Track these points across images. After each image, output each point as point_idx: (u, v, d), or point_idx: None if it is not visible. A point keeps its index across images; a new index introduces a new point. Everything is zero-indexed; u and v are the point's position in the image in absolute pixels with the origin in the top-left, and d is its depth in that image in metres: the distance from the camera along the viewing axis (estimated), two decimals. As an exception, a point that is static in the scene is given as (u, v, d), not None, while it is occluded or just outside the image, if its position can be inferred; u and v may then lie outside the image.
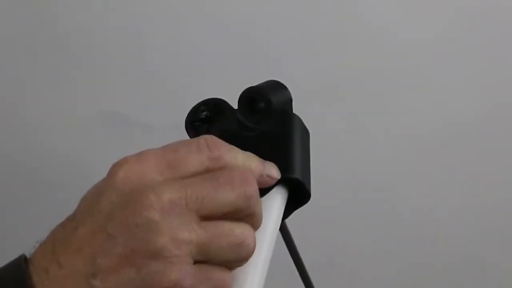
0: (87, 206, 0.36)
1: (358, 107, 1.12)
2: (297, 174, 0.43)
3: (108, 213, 0.34)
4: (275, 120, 0.46)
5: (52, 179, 1.19)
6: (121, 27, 1.08)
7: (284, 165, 0.43)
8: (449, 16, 1.06)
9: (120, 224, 0.33)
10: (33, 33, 1.09)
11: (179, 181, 0.35)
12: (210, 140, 0.38)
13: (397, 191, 1.19)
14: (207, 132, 0.47)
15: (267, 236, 0.41)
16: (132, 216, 0.33)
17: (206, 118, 0.48)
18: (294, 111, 0.48)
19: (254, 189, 0.37)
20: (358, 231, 1.23)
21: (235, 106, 0.47)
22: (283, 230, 0.53)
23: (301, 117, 0.48)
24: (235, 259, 0.36)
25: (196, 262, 0.34)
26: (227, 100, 0.48)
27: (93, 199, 0.36)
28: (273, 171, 0.41)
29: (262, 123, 0.46)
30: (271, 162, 0.42)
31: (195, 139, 0.38)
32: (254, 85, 0.47)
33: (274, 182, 0.41)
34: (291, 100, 0.49)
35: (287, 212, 0.45)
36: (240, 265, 0.37)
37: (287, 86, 0.49)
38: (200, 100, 0.48)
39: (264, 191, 0.43)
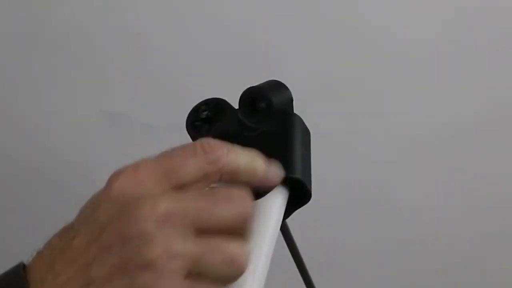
0: (85, 216, 0.36)
1: (358, 107, 1.13)
2: (298, 174, 0.43)
3: (104, 223, 0.34)
4: (276, 120, 0.46)
5: (52, 179, 1.19)
6: (121, 27, 1.08)
7: (285, 165, 0.43)
8: (449, 16, 1.06)
9: (115, 235, 0.33)
10: (33, 33, 1.09)
11: (177, 193, 0.35)
12: (206, 143, 0.37)
13: (397, 191, 1.19)
14: (208, 131, 0.47)
15: (268, 236, 0.41)
16: (127, 227, 0.33)
17: (207, 118, 0.48)
18: (294, 111, 0.48)
19: (251, 209, 0.37)
20: (358, 231, 1.23)
21: (236, 106, 0.47)
22: (284, 230, 0.53)
23: (301, 117, 0.48)
24: (227, 276, 0.35)
25: (188, 276, 0.34)
26: (227, 100, 0.48)
27: (90, 210, 0.36)
28: (278, 172, 0.41)
29: (263, 123, 0.46)
30: (275, 162, 0.41)
31: (191, 144, 0.38)
32: (254, 85, 0.47)
33: (278, 183, 0.41)
34: (291, 100, 0.49)
35: (288, 212, 0.45)
36: (230, 282, 0.36)
37: (287, 86, 0.49)
38: (200, 100, 0.48)
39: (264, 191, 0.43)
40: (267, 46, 1.08)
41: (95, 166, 1.13)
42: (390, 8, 1.05)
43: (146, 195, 0.34)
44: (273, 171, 0.41)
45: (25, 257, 0.37)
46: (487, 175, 1.17)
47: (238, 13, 1.07)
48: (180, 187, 0.36)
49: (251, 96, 0.47)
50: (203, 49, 1.09)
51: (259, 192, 0.41)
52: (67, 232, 0.36)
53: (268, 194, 0.42)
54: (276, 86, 0.48)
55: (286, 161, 0.43)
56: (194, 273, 0.34)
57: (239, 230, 0.36)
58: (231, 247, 0.35)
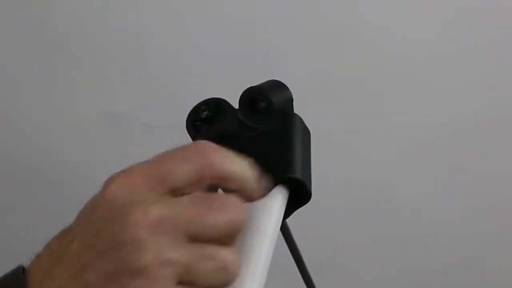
0: (81, 220, 0.36)
1: (358, 107, 1.12)
2: (298, 174, 0.43)
3: (98, 229, 0.34)
4: (276, 120, 0.46)
5: (52, 179, 1.19)
6: (121, 27, 1.08)
7: (285, 165, 0.43)
8: (449, 16, 1.06)
9: (108, 241, 0.33)
10: (33, 33, 1.09)
11: (170, 199, 0.35)
12: (200, 146, 0.37)
13: (397, 191, 1.19)
14: (208, 131, 0.47)
15: (268, 236, 0.41)
16: (119, 233, 0.33)
17: (207, 118, 0.48)
18: (294, 111, 0.48)
19: (244, 219, 0.36)
20: (358, 231, 1.23)
21: (236, 106, 0.47)
22: (284, 230, 0.53)
23: (301, 117, 0.48)
24: (218, 283, 0.35)
25: (180, 283, 0.34)
26: (227, 100, 0.48)
27: (86, 214, 0.36)
28: (268, 186, 0.41)
29: (263, 123, 0.46)
30: (267, 175, 0.41)
31: (185, 147, 0.37)
32: (255, 85, 0.47)
33: (263, 196, 0.41)
34: (292, 100, 0.49)
35: (288, 212, 0.45)
36: None
37: (287, 86, 0.49)
38: (200, 100, 0.48)
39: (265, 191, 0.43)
40: (267, 46, 1.08)
41: (95, 166, 1.13)
42: (390, 8, 1.05)
43: (138, 201, 0.34)
44: (264, 184, 0.40)
45: (25, 258, 0.37)
46: (487, 175, 1.17)
47: (238, 13, 1.07)
48: (174, 191, 0.35)
49: (251, 96, 0.47)
50: (203, 49, 1.09)
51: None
52: (66, 235, 0.36)
53: (268, 194, 0.42)
54: (276, 86, 0.48)
55: (286, 161, 0.43)
56: (186, 280, 0.34)
57: (230, 238, 0.36)
58: (224, 254, 0.35)
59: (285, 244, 0.55)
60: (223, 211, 0.35)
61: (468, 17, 1.05)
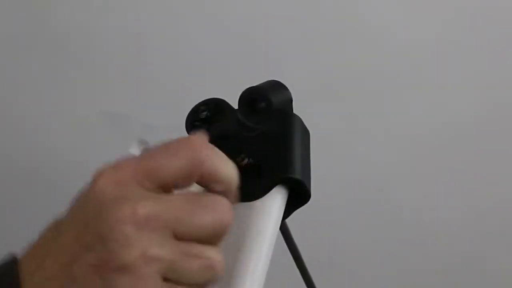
0: (72, 213, 0.36)
1: (358, 107, 1.12)
2: (298, 174, 0.43)
3: (86, 223, 0.34)
4: (275, 120, 0.46)
5: (52, 179, 1.19)
6: (121, 27, 1.08)
7: (284, 165, 0.43)
8: (449, 16, 1.06)
9: (95, 235, 0.33)
10: (33, 33, 1.09)
11: (159, 197, 0.35)
12: (192, 142, 0.36)
13: (397, 191, 1.19)
14: (207, 131, 0.47)
15: (267, 236, 0.41)
16: (106, 229, 0.33)
17: (207, 118, 0.48)
18: (294, 111, 0.48)
19: (231, 219, 0.36)
20: (358, 231, 1.23)
21: (236, 106, 0.47)
22: (284, 230, 0.53)
23: (301, 117, 0.48)
24: (203, 281, 0.35)
25: (165, 280, 0.34)
26: (227, 100, 0.48)
27: (76, 207, 0.36)
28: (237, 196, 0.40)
29: (263, 123, 0.46)
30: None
31: (177, 141, 0.37)
32: (254, 85, 0.47)
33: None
34: (291, 100, 0.49)
35: (288, 212, 0.45)
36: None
37: (287, 86, 0.49)
38: (200, 100, 0.48)
39: (264, 191, 0.43)
40: (267, 46, 1.08)
41: (95, 166, 1.13)
42: (390, 8, 1.05)
43: (126, 197, 0.34)
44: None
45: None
46: (487, 175, 1.17)
47: (238, 13, 1.07)
48: (162, 186, 0.35)
49: (250, 96, 0.47)
50: (203, 49, 1.09)
51: None
52: (58, 227, 0.36)
53: (267, 194, 0.42)
54: (276, 86, 0.48)
55: (285, 161, 0.43)
56: (172, 277, 0.34)
57: (217, 238, 0.36)
58: (210, 253, 0.35)
59: (285, 244, 0.55)
60: (211, 211, 0.35)
61: (468, 17, 1.05)
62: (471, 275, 1.25)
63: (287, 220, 0.48)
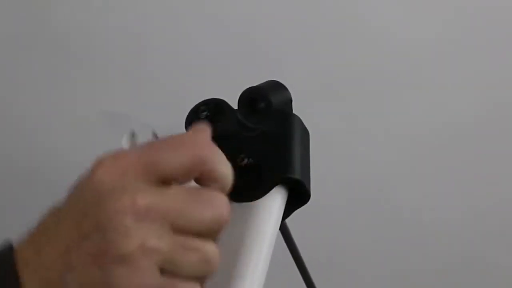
0: (71, 201, 0.36)
1: (358, 107, 1.12)
2: (297, 174, 0.43)
3: (85, 211, 0.34)
4: (275, 120, 0.46)
5: (52, 179, 1.19)
6: (121, 27, 1.08)
7: (284, 165, 0.43)
8: (449, 16, 1.06)
9: (94, 224, 0.33)
10: (33, 33, 1.09)
11: (160, 190, 0.35)
12: (196, 139, 0.37)
13: (397, 191, 1.19)
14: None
15: (267, 236, 0.41)
16: (105, 218, 0.33)
17: (207, 118, 0.48)
18: (294, 111, 0.48)
19: (229, 216, 0.36)
20: (358, 231, 1.23)
21: (235, 106, 0.47)
22: (284, 230, 0.53)
23: (301, 117, 0.48)
24: (200, 275, 0.36)
25: (162, 272, 0.34)
26: (227, 100, 0.48)
27: (75, 195, 0.36)
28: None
29: (262, 123, 0.46)
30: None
31: (181, 136, 0.37)
32: (254, 85, 0.47)
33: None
34: (291, 101, 0.49)
35: (287, 212, 0.45)
36: (201, 282, 0.36)
37: (287, 86, 0.49)
38: (200, 100, 0.48)
39: (264, 191, 0.43)
40: (267, 46, 1.08)
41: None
42: (390, 8, 1.05)
43: (127, 187, 0.34)
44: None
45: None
46: (487, 175, 1.17)
47: (238, 13, 1.07)
48: (163, 180, 0.35)
49: (250, 96, 0.47)
50: (203, 49, 1.09)
51: None
52: (57, 214, 0.36)
53: (267, 194, 0.42)
54: (275, 87, 0.48)
55: (285, 161, 0.43)
56: (168, 270, 0.34)
57: (214, 233, 0.36)
58: (207, 248, 0.35)
59: (285, 244, 0.55)
60: (210, 206, 0.35)
61: (468, 17, 1.05)
62: (471, 275, 1.25)
63: (287, 220, 0.48)
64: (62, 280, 0.33)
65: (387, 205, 1.20)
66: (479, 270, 1.25)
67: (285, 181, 0.43)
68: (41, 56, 1.11)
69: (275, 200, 0.42)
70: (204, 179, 0.37)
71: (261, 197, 0.43)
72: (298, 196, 0.44)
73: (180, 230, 0.34)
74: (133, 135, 0.46)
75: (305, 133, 0.47)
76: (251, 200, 0.43)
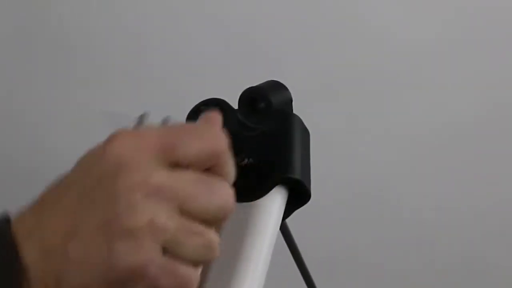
0: (79, 172, 0.36)
1: (358, 107, 1.12)
2: (297, 174, 0.43)
3: (98, 180, 0.34)
4: (275, 120, 0.46)
5: (52, 179, 1.19)
6: (121, 27, 1.08)
7: (284, 165, 0.43)
8: (449, 16, 1.06)
9: (105, 194, 0.34)
10: (33, 32, 1.09)
11: (173, 172, 0.35)
12: (216, 131, 0.37)
13: (397, 191, 1.19)
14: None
15: (267, 236, 0.41)
16: (117, 191, 0.33)
17: (207, 118, 0.48)
18: (294, 111, 0.48)
19: (234, 206, 0.37)
20: (358, 231, 1.23)
21: (236, 106, 0.47)
22: (284, 230, 0.53)
23: (301, 117, 0.48)
24: (201, 259, 0.36)
25: (165, 252, 0.34)
26: (227, 100, 0.48)
27: (86, 165, 0.36)
28: None
29: (263, 123, 0.46)
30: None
31: (201, 126, 0.38)
32: (254, 85, 0.47)
33: None
34: (291, 100, 0.49)
35: (288, 212, 0.45)
36: (201, 266, 0.37)
37: (287, 86, 0.49)
38: (200, 100, 0.48)
39: (264, 191, 0.43)
40: (267, 46, 1.08)
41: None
42: (390, 8, 1.05)
43: (142, 164, 0.34)
44: None
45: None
46: (487, 175, 1.17)
47: (238, 13, 1.07)
48: (176, 164, 0.36)
49: (250, 96, 0.47)
50: (203, 49, 1.09)
51: None
52: (60, 187, 0.36)
53: (267, 194, 0.42)
54: (276, 87, 0.48)
55: (285, 161, 0.43)
56: (171, 250, 0.34)
57: (218, 222, 0.36)
58: (210, 234, 0.36)
59: (285, 244, 0.55)
60: (218, 195, 0.36)
61: (468, 17, 1.05)
62: (471, 275, 1.25)
63: (287, 220, 0.48)
64: (64, 249, 0.33)
65: (387, 205, 1.20)
66: (479, 270, 1.25)
67: (285, 181, 0.43)
68: (41, 56, 1.11)
69: (275, 200, 0.42)
70: (214, 170, 0.37)
71: (261, 197, 0.43)
72: (298, 196, 0.44)
73: (187, 213, 0.35)
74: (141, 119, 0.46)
75: (305, 133, 0.47)
76: (251, 200, 0.43)
